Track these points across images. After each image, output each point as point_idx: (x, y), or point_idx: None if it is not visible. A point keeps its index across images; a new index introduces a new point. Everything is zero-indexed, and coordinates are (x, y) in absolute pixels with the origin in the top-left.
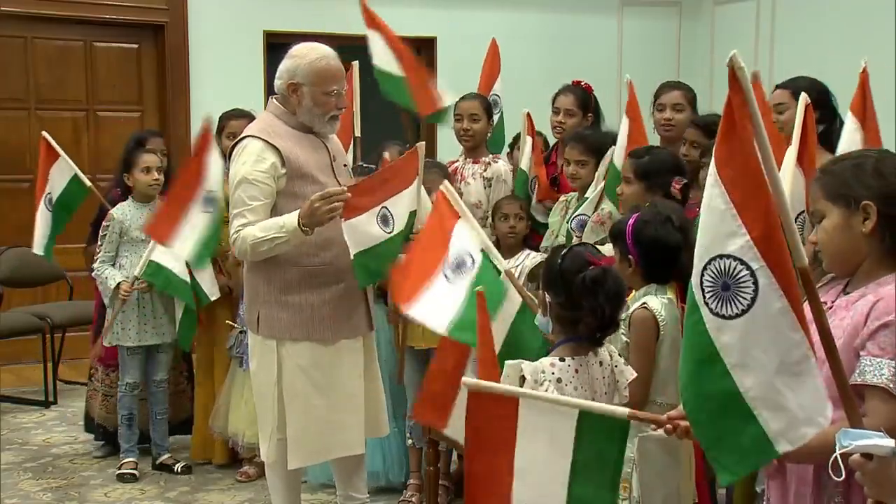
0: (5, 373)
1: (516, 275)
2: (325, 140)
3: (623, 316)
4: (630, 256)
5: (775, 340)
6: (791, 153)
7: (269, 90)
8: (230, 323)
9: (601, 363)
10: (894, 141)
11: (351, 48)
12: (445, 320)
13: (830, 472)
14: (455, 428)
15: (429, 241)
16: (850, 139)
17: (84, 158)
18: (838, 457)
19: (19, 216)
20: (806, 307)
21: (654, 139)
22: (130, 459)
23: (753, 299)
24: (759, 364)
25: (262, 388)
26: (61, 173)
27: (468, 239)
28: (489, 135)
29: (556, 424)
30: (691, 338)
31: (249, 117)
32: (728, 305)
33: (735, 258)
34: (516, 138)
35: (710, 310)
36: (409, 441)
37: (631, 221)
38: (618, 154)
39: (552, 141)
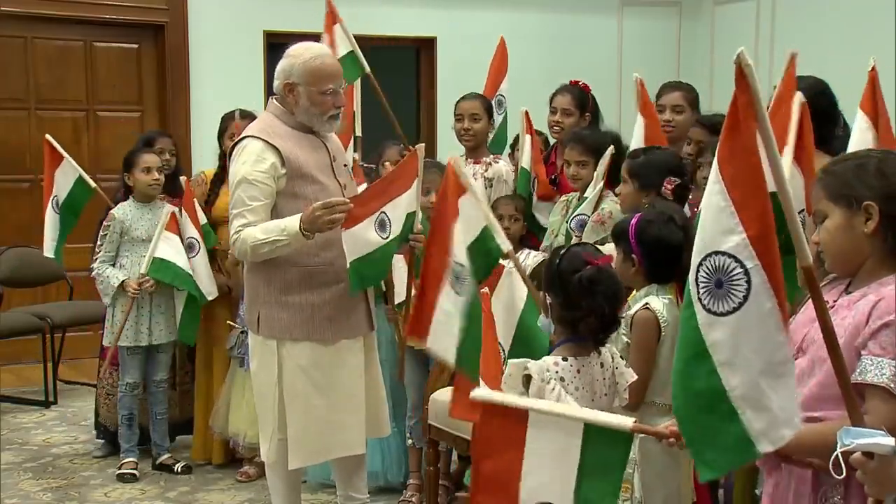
0: (5, 373)
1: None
2: (325, 140)
3: (624, 316)
4: (633, 256)
5: (763, 340)
6: (787, 152)
7: (269, 90)
8: (230, 323)
9: (602, 364)
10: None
11: None
12: (452, 347)
13: (832, 470)
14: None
15: (434, 241)
16: (861, 139)
17: (84, 158)
18: (839, 455)
19: (19, 216)
20: (809, 305)
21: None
22: (130, 459)
23: (746, 297)
24: (746, 363)
25: (263, 389)
26: (65, 176)
27: (472, 216)
28: (490, 135)
29: (564, 432)
30: (684, 333)
31: (252, 118)
32: (721, 302)
33: (730, 255)
34: (516, 139)
35: (703, 306)
36: (409, 441)
37: (634, 221)
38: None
39: (553, 141)
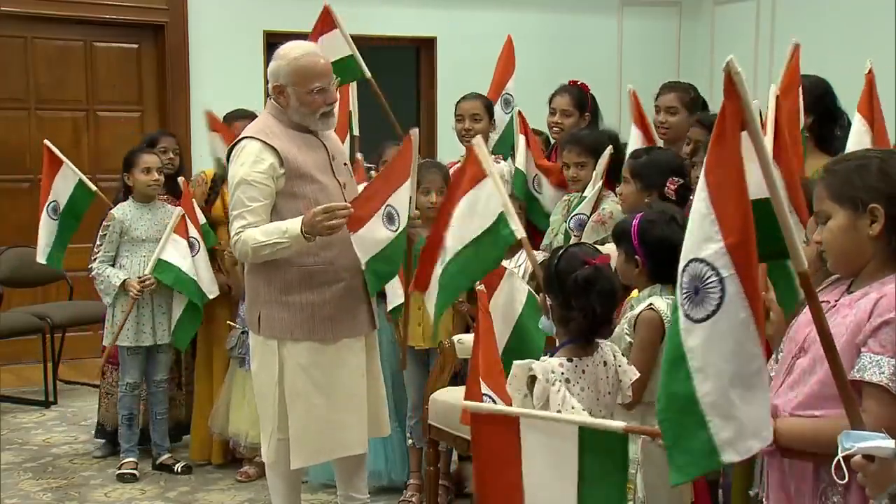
0: (5, 373)
1: (518, 274)
2: (324, 139)
3: (628, 317)
4: (636, 257)
5: (736, 349)
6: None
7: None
8: (230, 323)
9: (605, 363)
10: (894, 140)
11: None
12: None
13: (833, 475)
14: None
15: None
16: (858, 140)
17: (84, 158)
18: (841, 460)
19: (19, 216)
20: (806, 309)
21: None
22: (130, 459)
23: (719, 305)
24: (716, 371)
25: (264, 389)
26: (66, 180)
27: (489, 201)
28: (494, 135)
29: (558, 440)
30: (670, 336)
31: (253, 118)
32: (697, 309)
33: (707, 263)
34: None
35: (684, 311)
36: (410, 441)
37: (636, 222)
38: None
39: (553, 141)
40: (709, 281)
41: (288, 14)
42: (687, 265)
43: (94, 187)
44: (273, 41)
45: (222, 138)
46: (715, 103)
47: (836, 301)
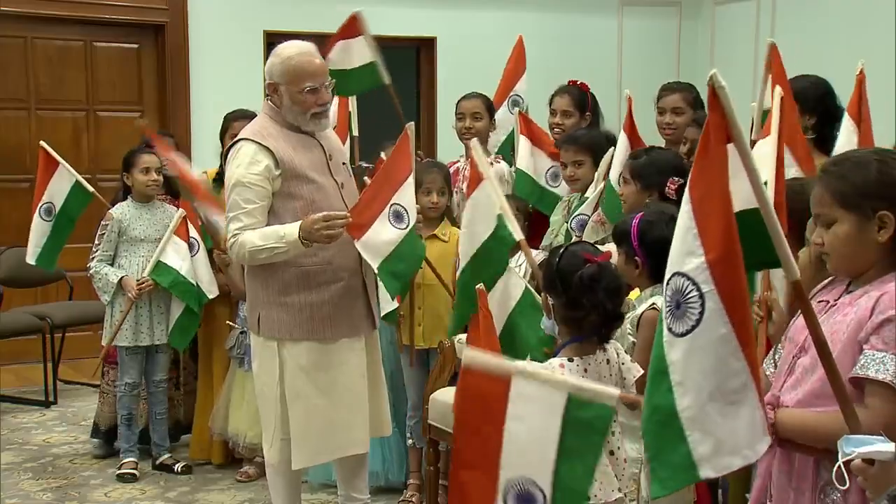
0: (5, 373)
1: (519, 274)
2: (320, 138)
3: (630, 317)
4: (637, 258)
5: (714, 366)
6: (770, 141)
7: None
8: (230, 323)
9: (608, 361)
10: (894, 140)
11: None
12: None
13: (835, 481)
14: None
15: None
16: (847, 140)
17: (84, 158)
18: (842, 465)
19: (19, 216)
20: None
21: (657, 141)
22: (130, 459)
23: (698, 321)
24: (695, 386)
25: (265, 389)
26: (62, 182)
27: (486, 204)
28: (492, 133)
29: (547, 411)
30: (655, 348)
31: (253, 118)
32: (678, 323)
33: (688, 278)
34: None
35: (667, 324)
36: (410, 441)
37: (635, 223)
38: (614, 169)
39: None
40: (690, 296)
41: (288, 14)
42: (670, 278)
43: (91, 188)
44: (273, 41)
45: (162, 155)
46: None
47: (836, 300)
